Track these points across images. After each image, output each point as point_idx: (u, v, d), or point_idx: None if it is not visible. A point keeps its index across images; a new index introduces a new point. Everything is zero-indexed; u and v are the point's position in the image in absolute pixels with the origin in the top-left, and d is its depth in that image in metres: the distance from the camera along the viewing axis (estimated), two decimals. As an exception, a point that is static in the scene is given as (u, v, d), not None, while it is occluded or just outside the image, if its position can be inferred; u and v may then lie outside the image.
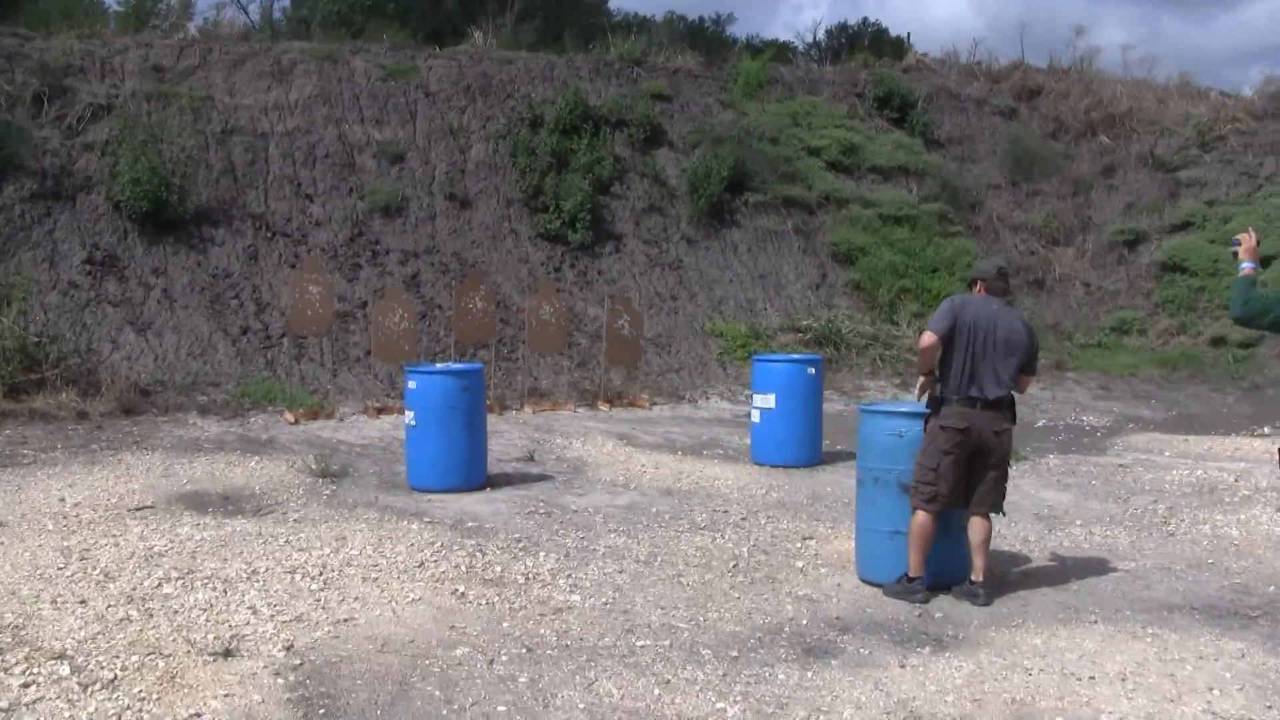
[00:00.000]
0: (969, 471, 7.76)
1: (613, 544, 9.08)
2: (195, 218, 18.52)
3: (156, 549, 8.65)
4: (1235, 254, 6.82)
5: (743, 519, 10.06)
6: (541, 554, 8.67)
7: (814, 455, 12.87)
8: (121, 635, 6.66)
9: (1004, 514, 8.07)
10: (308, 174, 20.05)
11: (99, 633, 6.70)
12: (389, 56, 22.90)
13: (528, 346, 17.23)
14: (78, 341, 16.27)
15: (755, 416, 12.91)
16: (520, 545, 8.94)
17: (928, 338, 7.79)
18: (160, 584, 7.72)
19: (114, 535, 9.09)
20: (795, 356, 14.06)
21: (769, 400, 12.66)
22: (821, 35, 41.95)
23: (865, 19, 51.44)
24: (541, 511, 10.25)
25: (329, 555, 8.47)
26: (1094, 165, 26.92)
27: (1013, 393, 7.85)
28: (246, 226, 18.88)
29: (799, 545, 9.14)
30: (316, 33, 24.88)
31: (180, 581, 7.77)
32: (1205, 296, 22.73)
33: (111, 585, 7.70)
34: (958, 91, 28.66)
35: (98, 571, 8.02)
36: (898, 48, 34.04)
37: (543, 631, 6.90)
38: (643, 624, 7.08)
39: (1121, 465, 13.15)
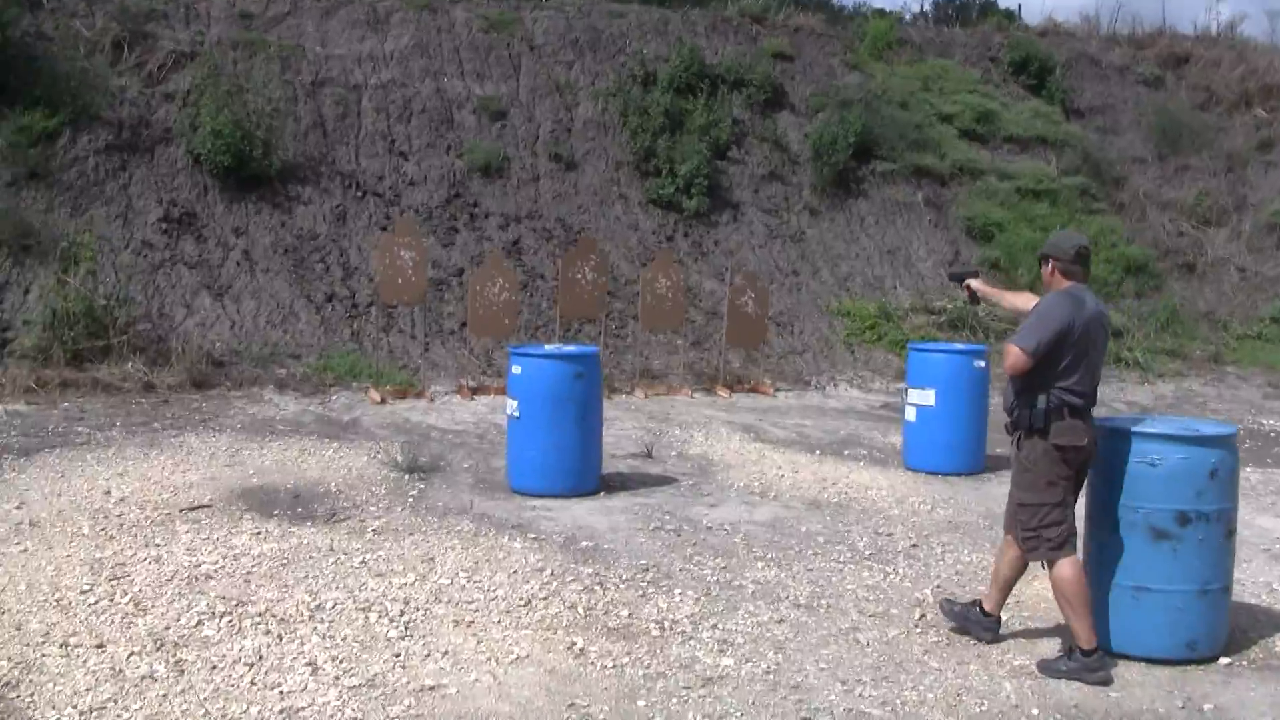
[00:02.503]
0: None
1: (762, 578, 7.34)
2: (280, 175, 16.98)
3: (204, 567, 7.07)
4: None
5: (913, 546, 8.29)
6: (677, 591, 6.96)
7: (978, 462, 11.01)
8: (138, 705, 5.09)
9: None
10: (402, 130, 18.45)
11: (110, 699, 5.14)
12: (491, 7, 21.22)
13: (640, 323, 15.51)
14: (149, 306, 14.86)
15: (910, 414, 11.06)
16: (648, 577, 7.23)
17: (1019, 356, 6.07)
18: (200, 621, 6.13)
19: (157, 545, 7.54)
20: (959, 346, 12.14)
21: (928, 397, 10.81)
22: (929, 6, 39.36)
23: (972, -11, 48.66)
24: (669, 528, 8.52)
25: (413, 585, 6.84)
26: (1249, 140, 24.63)
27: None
28: (335, 185, 17.33)
29: (993, 587, 7.36)
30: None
31: (226, 618, 6.18)
32: (1378, 287, 20.56)
33: (140, 621, 6.13)
34: (1098, 58, 26.45)
35: (127, 599, 6.45)
36: (1009, 20, 31.63)
37: (691, 717, 5.22)
38: (822, 707, 5.36)
39: (1339, 483, 11.24)
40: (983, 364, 11.09)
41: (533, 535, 8.14)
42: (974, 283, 7.16)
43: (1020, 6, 46.73)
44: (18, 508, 8.45)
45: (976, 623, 6.43)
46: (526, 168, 18.67)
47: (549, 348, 10.28)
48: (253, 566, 7.13)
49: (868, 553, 8.05)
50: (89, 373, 13.45)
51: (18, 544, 7.51)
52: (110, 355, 13.79)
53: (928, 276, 19.73)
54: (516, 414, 9.51)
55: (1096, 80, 25.72)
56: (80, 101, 16.42)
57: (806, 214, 19.98)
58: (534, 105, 19.65)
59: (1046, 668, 6.03)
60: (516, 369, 9.56)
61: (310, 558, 7.34)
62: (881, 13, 28.04)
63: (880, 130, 21.23)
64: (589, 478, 9.64)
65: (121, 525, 8.04)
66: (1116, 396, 16.02)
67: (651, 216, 18.83)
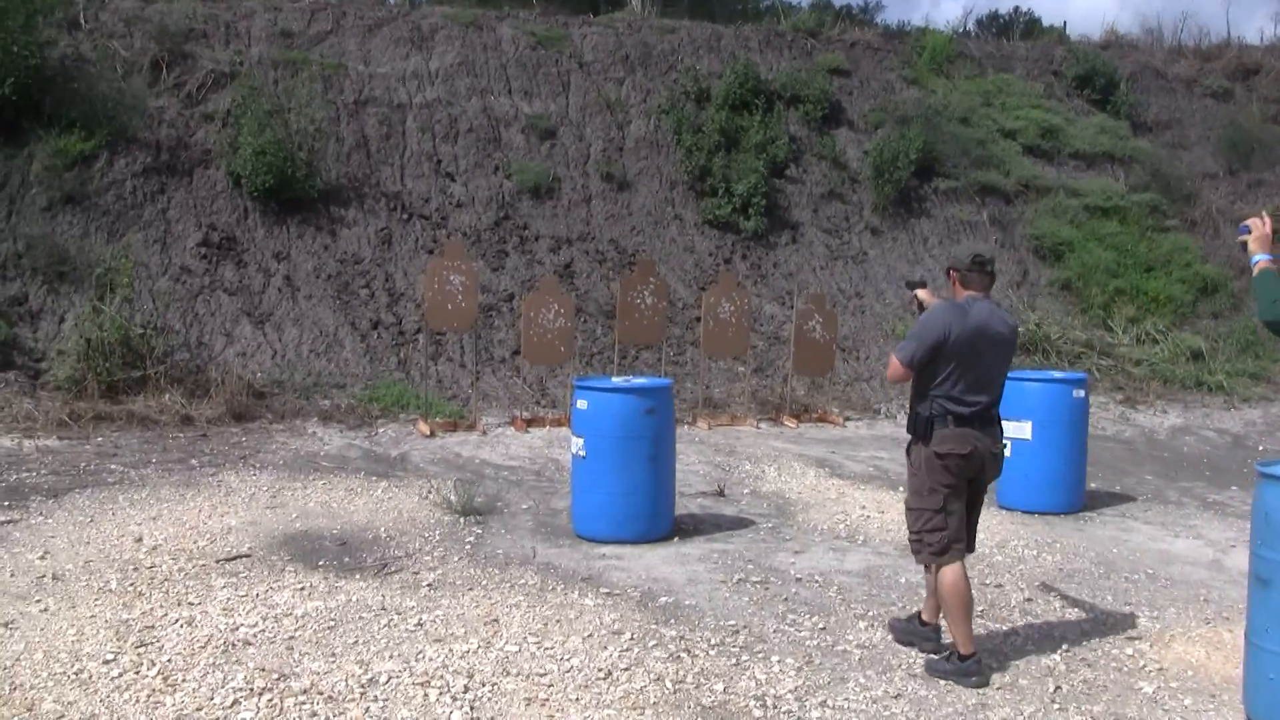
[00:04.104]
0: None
1: (867, 641, 6.52)
2: (323, 196, 16.32)
3: (242, 631, 6.32)
4: (1245, 244, 5.41)
5: (1027, 600, 7.44)
6: (774, 658, 6.15)
7: (1078, 500, 10.16)
8: (163, 813, 4.35)
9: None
10: (449, 150, 17.76)
11: (131, 805, 4.40)
12: (539, 23, 20.55)
13: (702, 349, 14.74)
14: (187, 334, 14.22)
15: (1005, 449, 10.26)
16: (740, 640, 6.42)
17: (896, 368, 6.27)
18: (237, 700, 5.37)
19: (190, 604, 6.80)
20: (1056, 374, 11.28)
21: (1023, 429, 9.94)
22: (972, 25, 38.25)
23: (1017, 8, 47.41)
24: (754, 580, 7.70)
25: (477, 653, 6.06)
26: (1325, 153, 23.70)
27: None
28: (380, 207, 16.65)
29: (1128, 652, 6.47)
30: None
31: (266, 696, 5.41)
32: None
33: (168, 700, 5.38)
34: (1164, 71, 25.54)
35: (155, 672, 5.71)
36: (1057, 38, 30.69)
37: (815, 825, 4.44)
38: (966, 811, 4.58)
39: None
40: (1082, 393, 10.24)
41: (605, 590, 7.34)
42: (921, 292, 6.97)
43: (1065, 24, 45.62)
44: (41, 558, 7.76)
45: (919, 635, 6.50)
46: (577, 188, 17.95)
47: (617, 380, 9.48)
48: (296, 630, 6.37)
49: (979, 608, 7.14)
50: (124, 405, 12.79)
51: (38, 602, 6.80)
52: (147, 387, 13.14)
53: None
54: (582, 453, 8.73)
55: (1162, 94, 24.81)
56: (117, 123, 15.84)
57: (868, 234, 19.18)
58: (584, 123, 18.94)
59: (931, 667, 6.12)
60: (582, 403, 8.77)
61: (360, 619, 6.58)
62: (922, 30, 27.17)
63: (942, 147, 20.44)
64: (662, 522, 8.85)
65: (152, 579, 7.31)
66: (1203, 424, 15.14)
67: (708, 238, 18.06)
